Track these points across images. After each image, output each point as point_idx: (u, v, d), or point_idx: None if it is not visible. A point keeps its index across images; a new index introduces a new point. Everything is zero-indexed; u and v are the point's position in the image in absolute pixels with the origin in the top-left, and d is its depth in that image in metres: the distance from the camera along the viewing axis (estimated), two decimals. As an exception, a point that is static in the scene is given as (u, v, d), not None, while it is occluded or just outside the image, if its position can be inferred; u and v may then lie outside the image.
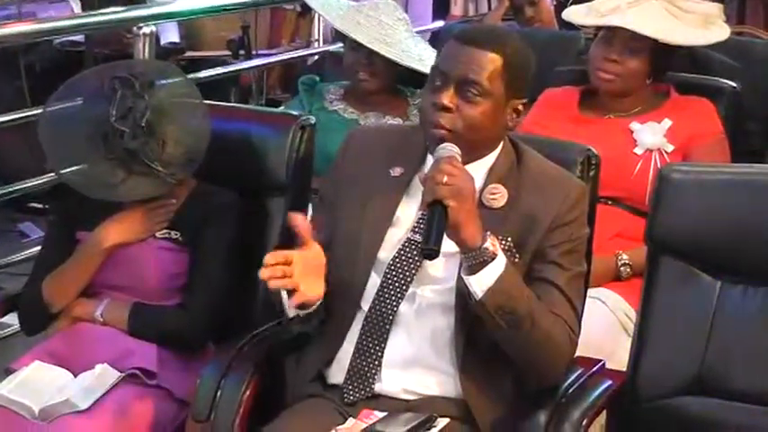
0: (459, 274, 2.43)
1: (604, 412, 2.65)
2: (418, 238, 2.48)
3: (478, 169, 2.53)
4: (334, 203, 2.63)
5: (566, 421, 2.49)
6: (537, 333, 2.42)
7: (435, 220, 2.34)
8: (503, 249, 2.43)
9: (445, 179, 2.34)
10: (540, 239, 2.50)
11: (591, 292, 2.90)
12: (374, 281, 2.54)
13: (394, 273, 2.52)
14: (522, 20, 5.83)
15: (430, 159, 2.52)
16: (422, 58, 3.72)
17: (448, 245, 2.37)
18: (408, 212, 2.53)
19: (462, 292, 2.43)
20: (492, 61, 2.48)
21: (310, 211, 3.05)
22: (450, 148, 2.44)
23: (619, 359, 2.88)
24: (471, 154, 2.51)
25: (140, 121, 2.84)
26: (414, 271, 2.51)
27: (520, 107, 2.56)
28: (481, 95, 2.47)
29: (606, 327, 3.18)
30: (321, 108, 3.82)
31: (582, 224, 2.57)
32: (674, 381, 2.60)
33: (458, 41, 2.52)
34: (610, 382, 2.65)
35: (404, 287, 2.51)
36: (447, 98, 2.47)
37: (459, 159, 2.43)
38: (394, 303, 2.51)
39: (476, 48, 2.49)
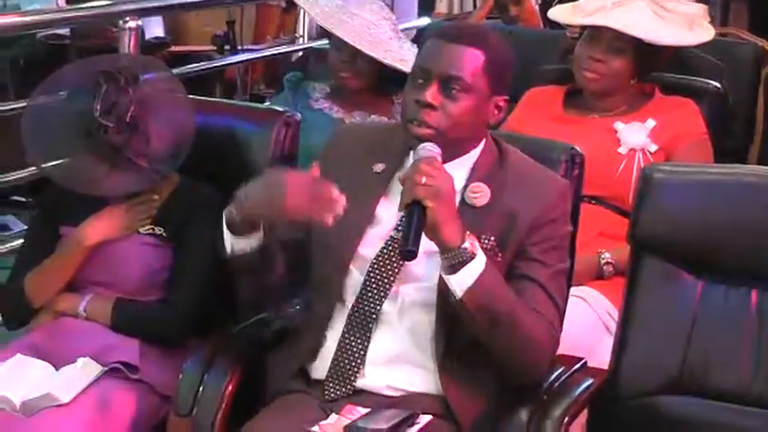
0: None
1: (585, 410, 2.66)
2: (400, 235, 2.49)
3: (461, 167, 2.54)
4: None
5: (547, 419, 2.49)
6: (518, 331, 2.43)
7: (414, 221, 2.34)
8: (485, 248, 2.44)
9: (424, 180, 2.34)
10: (522, 238, 2.50)
11: (573, 290, 2.92)
12: (356, 277, 2.54)
13: (377, 271, 2.52)
14: (507, 18, 5.83)
15: (410, 156, 2.52)
16: (405, 58, 3.70)
17: (430, 243, 2.38)
18: (390, 209, 2.53)
19: (443, 291, 2.44)
20: (474, 57, 2.48)
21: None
22: (430, 148, 2.44)
23: (600, 357, 2.89)
24: (452, 151, 2.51)
25: (125, 116, 2.84)
26: (397, 270, 2.51)
27: (501, 103, 2.55)
28: (464, 91, 2.47)
29: (588, 325, 3.18)
30: (306, 106, 3.80)
31: (564, 222, 2.57)
32: (656, 379, 2.62)
33: (438, 38, 2.52)
34: (591, 381, 2.66)
35: (387, 286, 2.51)
36: (431, 95, 2.46)
37: (440, 160, 2.43)
38: (377, 302, 2.51)
39: (457, 44, 2.49)
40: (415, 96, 2.48)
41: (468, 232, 2.39)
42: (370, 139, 2.67)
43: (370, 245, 2.55)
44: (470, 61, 2.48)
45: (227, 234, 2.47)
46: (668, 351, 2.61)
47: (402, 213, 2.41)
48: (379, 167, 2.60)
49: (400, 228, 2.48)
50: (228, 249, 2.48)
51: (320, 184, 2.41)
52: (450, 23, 2.70)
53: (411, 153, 2.50)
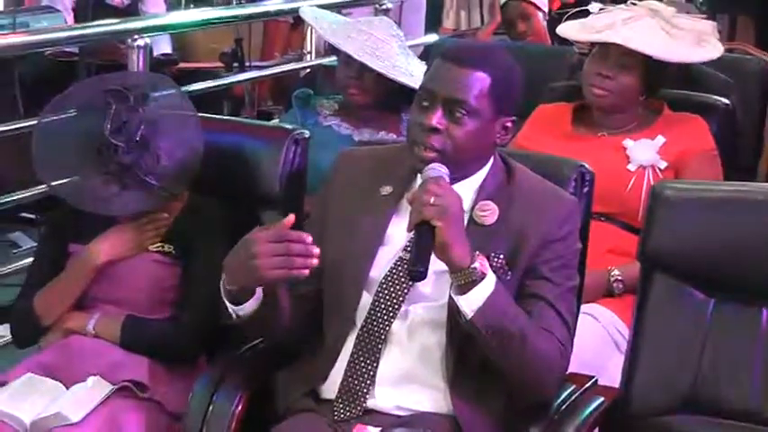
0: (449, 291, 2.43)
1: (596, 429, 2.65)
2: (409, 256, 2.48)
3: (468, 187, 2.54)
4: (324, 225, 2.63)
5: (558, 438, 2.49)
6: (528, 350, 2.42)
7: (422, 241, 2.34)
8: (494, 266, 2.44)
9: (432, 200, 2.35)
10: (532, 255, 2.50)
11: (583, 308, 2.91)
12: (366, 299, 2.53)
13: (386, 291, 2.52)
14: (515, 34, 5.83)
15: (419, 178, 2.53)
16: (413, 73, 3.70)
17: (439, 262, 2.38)
18: (399, 230, 2.52)
19: (453, 310, 2.43)
20: (479, 80, 2.47)
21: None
22: (437, 169, 2.44)
23: (611, 376, 2.88)
24: (459, 172, 2.51)
25: (135, 135, 2.84)
26: (406, 290, 2.51)
27: (509, 124, 2.55)
28: (469, 115, 2.46)
29: (598, 343, 3.18)
30: (315, 123, 3.80)
31: (574, 239, 2.57)
32: (667, 398, 2.61)
33: (444, 60, 2.51)
34: (602, 399, 2.65)
35: (396, 305, 2.51)
36: (435, 119, 2.46)
37: (447, 180, 2.43)
38: (386, 322, 2.51)
39: (462, 67, 2.48)
40: (420, 119, 2.48)
41: (477, 252, 2.39)
42: (375, 163, 2.67)
43: (381, 267, 2.54)
44: (475, 85, 2.46)
45: (227, 304, 2.47)
46: (679, 369, 2.60)
47: (411, 234, 2.41)
48: (386, 190, 2.60)
49: (409, 248, 2.48)
50: (233, 316, 2.49)
51: (291, 236, 2.36)
52: (457, 44, 2.68)
53: (419, 174, 2.51)
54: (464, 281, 2.37)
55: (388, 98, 3.75)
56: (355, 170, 2.67)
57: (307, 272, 2.35)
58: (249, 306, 2.46)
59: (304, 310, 2.60)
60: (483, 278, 2.37)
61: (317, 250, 2.34)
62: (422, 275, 2.34)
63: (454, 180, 2.48)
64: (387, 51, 3.72)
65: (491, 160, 2.59)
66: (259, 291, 2.46)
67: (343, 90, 3.80)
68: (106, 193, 2.86)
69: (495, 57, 2.54)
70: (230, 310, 2.47)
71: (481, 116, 2.48)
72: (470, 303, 2.38)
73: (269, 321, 2.53)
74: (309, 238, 2.35)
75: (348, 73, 3.72)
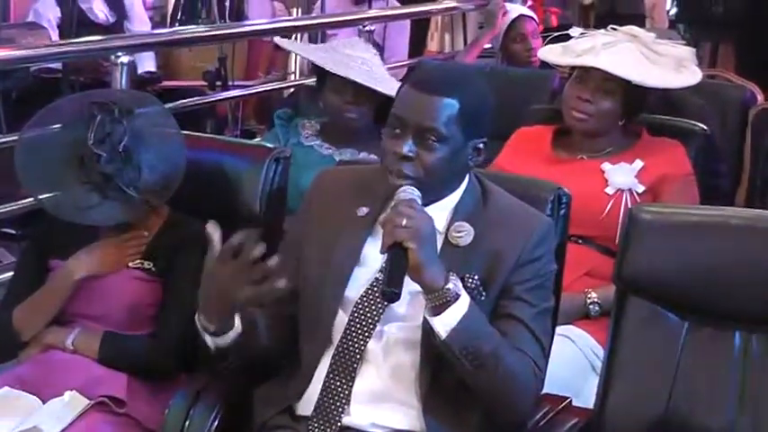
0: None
1: (570, 450, 2.67)
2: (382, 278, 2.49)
3: (443, 208, 2.55)
4: (300, 245, 2.64)
5: (532, 458, 2.50)
6: (502, 371, 2.44)
7: (395, 263, 2.35)
8: (470, 287, 2.45)
9: (404, 222, 2.36)
10: (507, 276, 2.51)
11: (559, 329, 2.92)
12: (342, 319, 2.54)
13: (361, 311, 2.52)
14: (525, 52, 5.80)
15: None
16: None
17: (414, 283, 2.39)
18: (375, 251, 2.51)
19: (428, 331, 2.44)
20: (448, 107, 2.48)
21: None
22: (409, 192, 2.46)
23: (585, 397, 2.90)
24: (432, 195, 2.53)
25: (118, 146, 2.86)
26: (381, 309, 2.52)
27: (480, 146, 2.56)
28: (439, 141, 2.48)
29: (573, 364, 3.19)
30: (297, 143, 3.82)
31: (549, 260, 2.58)
32: (640, 420, 2.61)
33: (413, 88, 2.52)
34: (576, 420, 2.66)
35: (371, 325, 2.52)
36: (406, 147, 2.48)
37: (420, 202, 2.45)
38: (362, 341, 2.51)
39: (430, 95, 2.49)
40: (393, 147, 2.50)
41: (451, 273, 2.40)
42: (353, 183, 2.68)
43: (357, 287, 2.55)
44: (444, 112, 2.47)
45: (206, 337, 2.50)
46: (653, 392, 2.61)
47: (384, 256, 2.43)
48: (363, 211, 2.61)
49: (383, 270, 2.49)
50: (212, 348, 2.51)
51: (249, 258, 2.36)
52: (425, 71, 2.69)
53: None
54: (438, 302, 2.38)
55: (384, 115, 3.77)
56: (333, 190, 2.68)
57: (282, 285, 2.36)
58: (229, 338, 2.49)
59: (283, 329, 2.61)
60: (457, 299, 2.39)
61: (274, 261, 2.36)
62: (395, 297, 2.35)
63: (428, 202, 2.50)
64: (381, 74, 3.75)
65: (465, 182, 2.60)
66: (238, 322, 2.48)
67: (337, 115, 3.79)
68: (86, 202, 2.87)
69: (463, 82, 2.55)
70: (209, 343, 2.50)
71: (451, 142, 2.49)
72: (444, 324, 2.39)
73: (247, 348, 2.55)
74: (258, 252, 2.36)
75: (344, 99, 3.73)
